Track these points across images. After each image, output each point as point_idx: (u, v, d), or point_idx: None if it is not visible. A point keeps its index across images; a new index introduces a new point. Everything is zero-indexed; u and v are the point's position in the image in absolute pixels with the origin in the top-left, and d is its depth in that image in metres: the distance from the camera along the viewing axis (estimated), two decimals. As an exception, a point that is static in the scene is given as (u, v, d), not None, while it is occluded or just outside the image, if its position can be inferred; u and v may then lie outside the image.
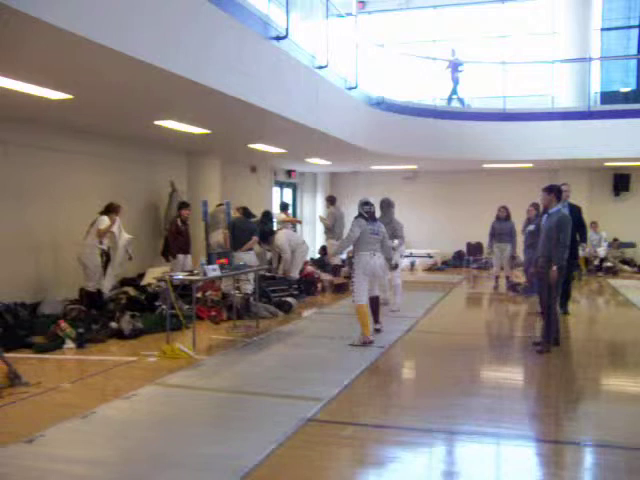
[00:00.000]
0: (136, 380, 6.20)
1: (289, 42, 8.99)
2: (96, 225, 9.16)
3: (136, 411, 5.32)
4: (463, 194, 18.52)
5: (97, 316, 8.74)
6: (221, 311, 9.64)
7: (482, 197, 17.40)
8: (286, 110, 8.95)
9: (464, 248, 18.57)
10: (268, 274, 12.12)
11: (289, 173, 18.57)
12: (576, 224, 8.30)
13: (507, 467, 4.45)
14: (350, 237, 8.01)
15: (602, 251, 16.37)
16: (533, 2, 18.45)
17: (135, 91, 7.34)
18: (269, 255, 13.36)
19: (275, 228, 13.50)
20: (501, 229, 12.82)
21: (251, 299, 9.84)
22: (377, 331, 8.50)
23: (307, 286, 12.29)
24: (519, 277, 13.35)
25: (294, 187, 19.71)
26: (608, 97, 17.46)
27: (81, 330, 7.76)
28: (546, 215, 7.69)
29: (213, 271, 8.05)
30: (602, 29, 17.76)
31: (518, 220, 12.51)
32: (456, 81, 16.41)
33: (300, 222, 16.65)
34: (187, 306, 9.08)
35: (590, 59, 16.62)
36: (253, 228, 11.05)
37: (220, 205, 11.78)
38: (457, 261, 18.50)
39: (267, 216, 13.01)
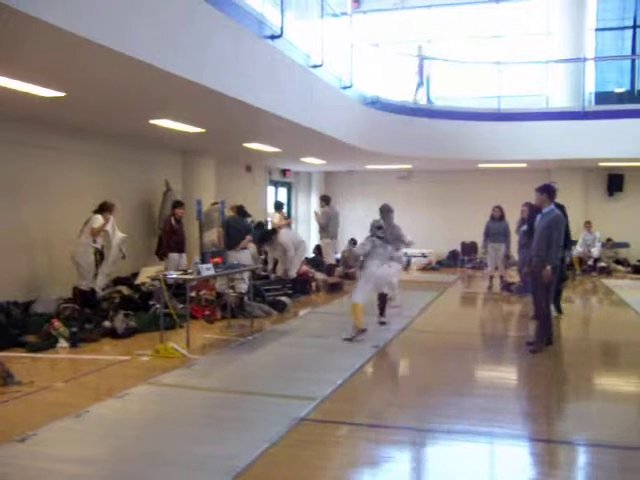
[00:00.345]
0: (129, 379, 6.18)
1: (284, 41, 8.99)
2: (90, 224, 9.13)
3: (129, 410, 5.31)
4: (458, 194, 18.54)
5: (91, 315, 8.71)
6: (215, 310, 9.63)
7: (476, 197, 17.41)
8: (281, 109, 8.95)
9: (458, 248, 18.59)
10: (263, 273, 12.11)
11: (284, 172, 18.56)
12: None
13: (500, 466, 4.46)
14: (360, 250, 8.68)
15: (596, 251, 16.39)
16: (527, 2, 18.48)
17: (131, 90, 7.33)
18: (265, 256, 13.35)
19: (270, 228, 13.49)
20: (495, 229, 12.84)
21: (245, 298, 9.83)
22: (382, 324, 9.00)
23: (301, 285, 12.28)
24: (513, 277, 13.37)
25: (289, 186, 19.71)
26: (602, 97, 17.50)
27: (74, 329, 7.73)
28: (540, 215, 7.70)
29: (207, 270, 8.04)
30: (596, 29, 17.79)
31: (512, 220, 12.53)
32: (421, 77, 16.20)
33: (291, 222, 16.62)
34: (181, 305, 9.05)
35: (584, 59, 16.66)
36: (248, 227, 11.04)
37: (215, 204, 11.76)
38: (451, 261, 18.52)
39: (260, 225, 12.98)
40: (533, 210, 9.12)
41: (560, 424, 5.26)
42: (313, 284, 12.78)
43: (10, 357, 6.81)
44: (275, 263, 12.98)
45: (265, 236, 12.66)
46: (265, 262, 13.42)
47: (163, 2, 6.31)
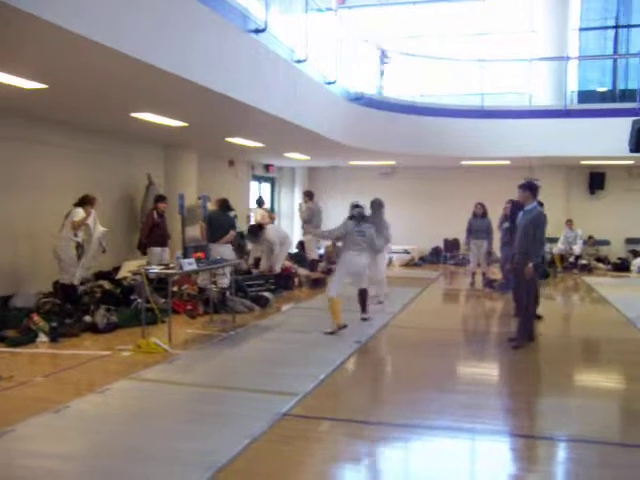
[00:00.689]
0: (110, 374, 6.13)
1: (268, 35, 8.94)
2: (70, 217, 9.04)
3: (110, 405, 5.27)
4: (441, 190, 18.60)
5: (71, 310, 8.63)
6: (197, 305, 9.58)
7: (459, 193, 17.47)
8: (264, 104, 8.90)
9: (441, 244, 18.67)
10: (244, 267, 12.06)
11: (267, 167, 18.49)
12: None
13: (482, 462, 4.48)
14: (332, 232, 8.76)
15: (577, 248, 16.53)
16: (512, 0, 18.54)
17: (112, 82, 7.23)
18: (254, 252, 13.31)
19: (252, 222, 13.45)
20: (478, 226, 12.88)
21: (227, 293, 9.79)
22: (364, 320, 8.93)
23: (284, 281, 12.25)
24: (495, 274, 13.43)
25: (272, 182, 19.65)
26: (585, 96, 17.64)
27: (55, 324, 7.66)
28: (522, 212, 7.73)
29: (189, 265, 7.99)
30: (580, 29, 17.91)
31: (495, 217, 12.57)
32: (382, 72, 16.14)
33: (274, 218, 16.57)
34: (163, 300, 9.00)
35: (567, 58, 16.75)
36: (231, 222, 10.97)
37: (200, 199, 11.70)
38: (434, 257, 18.59)
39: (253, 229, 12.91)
40: (516, 207, 9.16)
41: (541, 420, 5.29)
42: (296, 279, 12.76)
43: (-11, 352, 6.74)
44: (257, 259, 12.93)
45: (251, 232, 12.61)
46: (247, 254, 13.37)
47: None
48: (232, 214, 11.33)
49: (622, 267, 16.49)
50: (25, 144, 9.61)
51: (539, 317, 8.97)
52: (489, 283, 12.85)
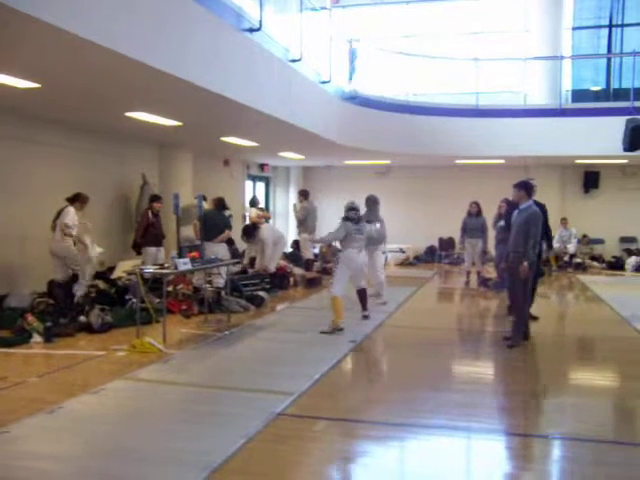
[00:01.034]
0: (105, 375, 6.12)
1: (263, 34, 8.93)
2: (62, 218, 8.98)
3: (104, 406, 5.25)
4: (435, 189, 18.62)
5: (66, 310, 8.60)
6: (192, 305, 9.56)
7: (454, 192, 17.49)
8: (259, 103, 8.89)
9: (436, 243, 18.69)
10: (239, 267, 12.04)
11: (262, 167, 18.48)
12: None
13: (477, 460, 4.48)
14: (335, 235, 8.69)
15: (572, 247, 16.58)
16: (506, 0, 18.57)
17: (106, 82, 7.21)
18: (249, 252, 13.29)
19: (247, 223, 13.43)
20: (472, 225, 12.90)
21: (222, 293, 9.78)
22: (365, 317, 9.05)
23: (279, 280, 12.24)
24: (490, 272, 13.46)
25: (267, 181, 19.64)
26: (579, 95, 17.66)
27: (49, 324, 7.64)
28: (517, 211, 7.74)
29: (184, 264, 7.97)
30: (573, 28, 17.94)
31: (490, 216, 12.60)
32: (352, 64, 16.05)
33: (269, 217, 16.56)
34: (158, 300, 8.98)
35: (562, 57, 16.77)
36: (226, 221, 10.94)
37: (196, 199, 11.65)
38: (429, 256, 18.61)
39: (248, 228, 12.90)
40: (511, 206, 9.17)
41: (536, 418, 5.30)
42: (291, 279, 12.76)
43: (-18, 352, 6.71)
44: (253, 258, 12.92)
45: (246, 232, 12.61)
46: (242, 255, 13.35)
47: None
48: (227, 213, 11.30)
49: (616, 266, 16.55)
50: (18, 143, 9.58)
51: (534, 318, 8.94)
52: (484, 282, 12.86)
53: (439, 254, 18.44)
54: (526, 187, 7.65)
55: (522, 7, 18.13)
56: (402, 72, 16.30)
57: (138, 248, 11.24)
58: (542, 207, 8.18)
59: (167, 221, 11.45)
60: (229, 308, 9.31)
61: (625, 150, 9.85)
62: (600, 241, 17.45)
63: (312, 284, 12.71)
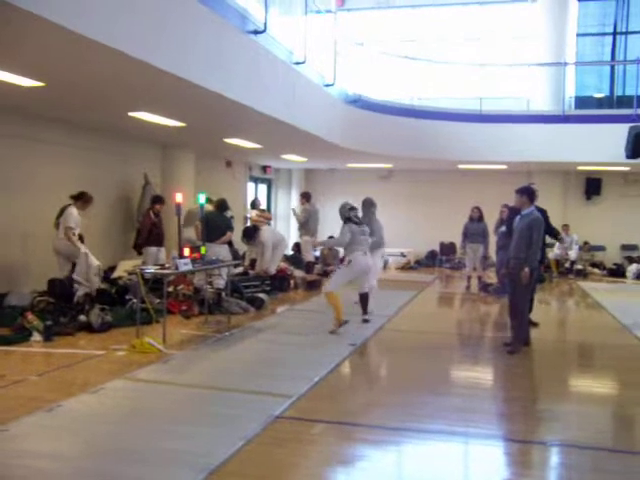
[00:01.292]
0: (104, 374, 6.11)
1: (267, 37, 8.93)
2: (64, 218, 8.98)
3: (103, 405, 5.25)
4: (438, 194, 18.62)
5: (66, 309, 8.60)
6: (192, 306, 9.56)
7: (456, 197, 17.50)
8: (263, 105, 8.90)
9: (437, 248, 18.68)
10: (240, 269, 12.03)
11: (264, 169, 18.49)
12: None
13: (475, 466, 4.47)
14: (341, 241, 8.72)
15: (573, 254, 16.56)
16: (511, 5, 18.59)
17: (110, 81, 7.22)
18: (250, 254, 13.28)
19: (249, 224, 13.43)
20: (474, 229, 12.90)
21: (223, 294, 9.77)
22: (366, 321, 9.00)
23: (280, 282, 12.24)
24: (491, 278, 13.45)
25: (269, 183, 19.64)
26: (582, 102, 17.66)
27: (49, 322, 7.64)
28: (519, 216, 7.73)
29: (185, 265, 7.97)
30: (578, 35, 17.96)
31: (491, 221, 12.60)
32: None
33: (270, 218, 16.57)
34: (158, 300, 8.97)
35: (565, 64, 16.79)
36: (228, 223, 10.94)
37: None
38: (430, 260, 18.61)
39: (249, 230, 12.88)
40: (512, 212, 9.16)
41: (535, 425, 5.28)
42: (291, 281, 12.76)
43: (-18, 350, 6.71)
44: (253, 260, 12.92)
45: (246, 234, 12.61)
46: (243, 257, 13.35)
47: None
48: (229, 214, 11.30)
49: (617, 273, 16.55)
50: (22, 142, 9.59)
51: (534, 324, 8.92)
52: (485, 287, 12.86)
53: (440, 258, 18.44)
54: (528, 193, 7.64)
55: (527, 13, 18.15)
56: (406, 76, 16.32)
57: (139, 248, 11.25)
58: (543, 212, 8.18)
59: (168, 222, 11.45)
60: (229, 309, 9.31)
61: (627, 157, 9.82)
62: (601, 248, 17.44)
63: (312, 287, 12.70)
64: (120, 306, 9.11)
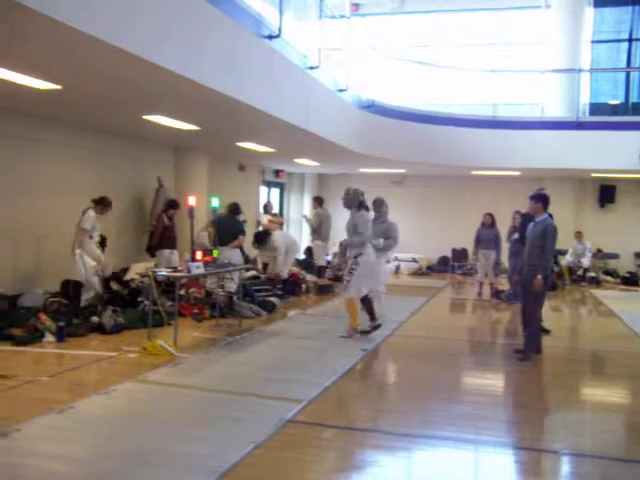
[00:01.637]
0: (116, 376, 6.14)
1: (281, 41, 8.96)
2: (82, 222, 9.03)
3: (115, 407, 5.27)
4: (450, 199, 18.58)
5: (78, 310, 8.65)
6: (204, 309, 9.59)
7: (469, 203, 17.46)
8: (277, 109, 8.91)
9: (449, 254, 18.63)
10: (253, 273, 12.06)
11: (277, 173, 18.52)
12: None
13: (485, 474, 4.46)
14: (366, 234, 8.30)
15: (586, 261, 16.47)
16: (525, 11, 18.53)
17: (126, 85, 7.26)
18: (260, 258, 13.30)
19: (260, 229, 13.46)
20: (486, 236, 12.86)
21: (234, 298, 9.80)
22: (367, 332, 8.48)
23: (292, 287, 12.26)
24: (503, 284, 13.40)
25: (282, 187, 19.68)
26: (597, 109, 17.56)
27: (61, 324, 7.67)
28: (532, 223, 7.70)
29: (197, 268, 7.99)
30: (592, 41, 17.87)
31: (504, 227, 12.56)
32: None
33: (282, 222, 16.58)
34: (170, 303, 9.01)
35: (580, 70, 16.71)
36: (240, 227, 10.96)
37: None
38: (442, 266, 18.55)
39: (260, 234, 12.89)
40: (525, 219, 9.12)
41: (545, 433, 5.26)
42: (303, 286, 12.76)
43: (-5, 350, 6.76)
44: (265, 264, 12.94)
45: (257, 238, 12.63)
46: (254, 262, 13.37)
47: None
48: (241, 218, 11.32)
49: (631, 281, 16.42)
50: (36, 144, 9.65)
51: (546, 331, 8.85)
52: (497, 294, 12.81)
53: (452, 264, 18.39)
54: (543, 200, 7.61)
55: (541, 19, 18.09)
56: (420, 81, 16.30)
57: (152, 250, 11.29)
58: (549, 216, 8.13)
59: (181, 224, 11.47)
60: (241, 313, 9.33)
61: (642, 165, 9.79)
62: (615, 256, 17.32)
63: (324, 291, 12.71)
64: (132, 308, 9.16)
